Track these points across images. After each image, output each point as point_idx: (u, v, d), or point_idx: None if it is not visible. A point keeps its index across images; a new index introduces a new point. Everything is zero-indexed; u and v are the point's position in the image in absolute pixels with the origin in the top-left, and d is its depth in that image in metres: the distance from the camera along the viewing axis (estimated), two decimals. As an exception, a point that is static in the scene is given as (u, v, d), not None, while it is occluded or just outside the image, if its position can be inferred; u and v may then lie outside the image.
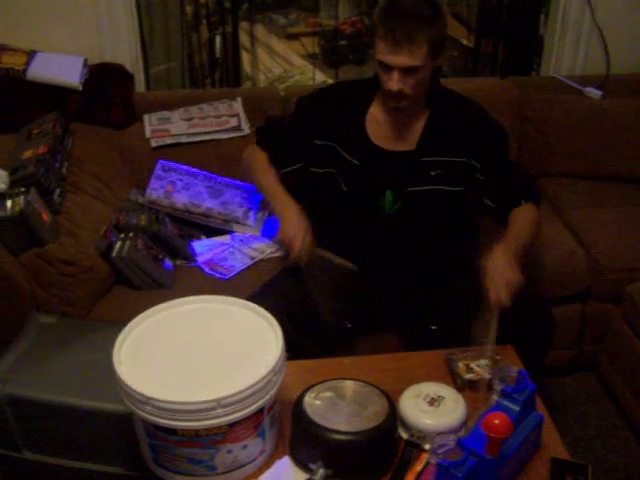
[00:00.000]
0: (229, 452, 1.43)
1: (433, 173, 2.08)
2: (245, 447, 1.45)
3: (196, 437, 1.39)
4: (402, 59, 1.88)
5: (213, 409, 1.35)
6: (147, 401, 1.35)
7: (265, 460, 1.53)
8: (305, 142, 2.14)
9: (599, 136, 2.94)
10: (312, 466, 1.46)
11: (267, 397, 1.43)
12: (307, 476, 1.47)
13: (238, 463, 1.47)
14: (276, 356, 1.45)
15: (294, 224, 2.02)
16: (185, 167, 2.67)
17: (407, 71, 1.90)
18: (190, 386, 1.41)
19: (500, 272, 1.86)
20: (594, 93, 3.01)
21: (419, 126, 2.09)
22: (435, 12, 1.91)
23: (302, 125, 2.17)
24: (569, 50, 3.16)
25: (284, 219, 2.06)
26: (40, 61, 2.69)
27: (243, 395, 1.37)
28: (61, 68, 2.69)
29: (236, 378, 1.39)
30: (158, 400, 1.34)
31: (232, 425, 1.39)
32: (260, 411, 1.43)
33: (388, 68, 1.92)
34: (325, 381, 1.60)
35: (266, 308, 1.61)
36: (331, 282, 2.05)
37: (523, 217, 2.07)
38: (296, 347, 1.85)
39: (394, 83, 1.92)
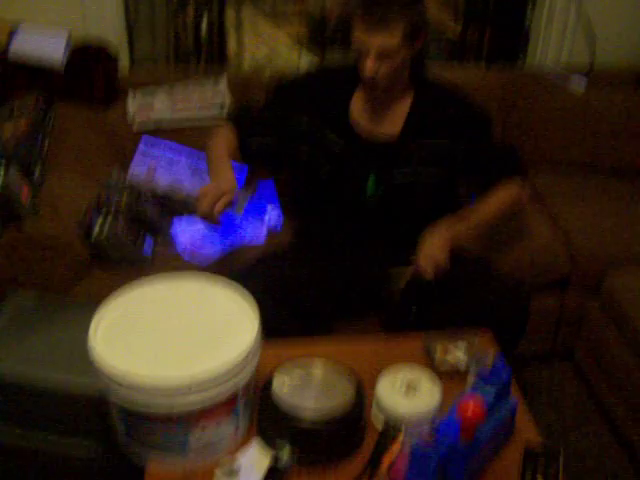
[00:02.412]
0: (203, 431, 1.44)
1: (417, 157, 2.09)
2: (218, 428, 1.46)
3: (169, 416, 1.39)
4: (377, 40, 1.87)
5: (186, 389, 1.35)
6: (121, 380, 1.35)
7: (239, 439, 1.53)
8: (282, 124, 2.13)
9: (582, 127, 2.95)
10: (279, 445, 1.47)
11: (242, 377, 1.43)
12: (273, 456, 1.47)
13: (211, 443, 1.47)
14: (252, 336, 1.45)
15: (217, 184, 1.95)
16: (169, 143, 2.66)
17: (383, 55, 1.90)
18: (165, 365, 1.41)
19: (432, 251, 1.99)
20: (579, 83, 3.02)
21: (403, 111, 2.09)
22: None
23: (281, 109, 2.16)
24: (555, 40, 3.17)
25: (212, 176, 2.03)
26: (22, 39, 2.64)
27: (217, 375, 1.37)
28: (44, 46, 2.65)
29: (211, 358, 1.39)
30: (132, 379, 1.35)
31: (205, 406, 1.40)
32: (234, 392, 1.44)
33: (364, 50, 1.91)
34: (295, 359, 1.61)
35: (247, 288, 1.61)
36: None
37: (493, 196, 2.15)
38: (277, 328, 1.86)
39: (369, 67, 1.91)
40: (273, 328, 1.66)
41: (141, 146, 2.63)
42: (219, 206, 1.90)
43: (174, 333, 1.50)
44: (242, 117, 2.25)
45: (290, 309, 1.99)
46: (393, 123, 2.10)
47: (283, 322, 1.96)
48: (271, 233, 2.50)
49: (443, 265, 1.98)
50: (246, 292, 1.58)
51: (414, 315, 2.10)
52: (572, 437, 2.40)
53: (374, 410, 1.61)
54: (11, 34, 2.65)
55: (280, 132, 2.15)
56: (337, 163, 2.10)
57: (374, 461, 1.50)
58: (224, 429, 1.48)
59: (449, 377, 1.73)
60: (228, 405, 1.45)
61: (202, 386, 1.36)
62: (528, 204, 2.61)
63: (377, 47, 1.88)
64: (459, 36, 3.50)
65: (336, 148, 2.09)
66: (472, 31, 3.42)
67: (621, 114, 2.95)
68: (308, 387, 1.54)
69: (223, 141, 2.14)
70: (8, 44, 2.62)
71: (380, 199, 2.12)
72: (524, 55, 3.33)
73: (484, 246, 2.32)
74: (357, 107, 2.11)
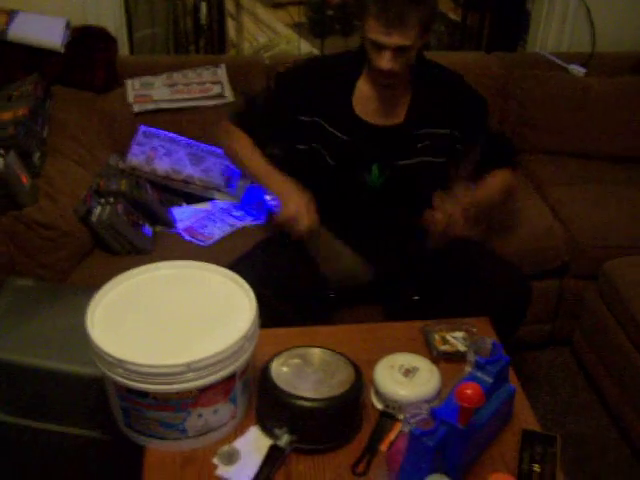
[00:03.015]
0: (200, 416, 1.44)
1: (420, 145, 2.09)
2: (216, 412, 1.47)
3: (167, 400, 1.40)
4: (395, 39, 1.88)
5: (184, 373, 1.36)
6: (119, 364, 1.36)
7: (236, 425, 1.54)
8: (289, 118, 2.12)
9: (582, 114, 2.95)
10: (277, 432, 1.48)
11: (239, 362, 1.44)
12: (272, 442, 1.48)
13: (209, 427, 1.48)
14: (248, 322, 1.45)
15: (296, 200, 1.95)
16: (167, 133, 2.66)
17: (399, 50, 1.90)
18: (162, 349, 1.42)
19: (453, 210, 1.93)
20: (578, 70, 3.02)
21: (405, 100, 2.10)
22: None
23: (285, 101, 2.14)
24: (555, 27, 3.16)
25: (284, 197, 1.97)
26: (21, 21, 2.64)
27: (214, 360, 1.38)
28: (43, 29, 2.65)
29: (208, 343, 1.40)
30: (129, 363, 1.35)
31: (203, 390, 1.40)
32: (232, 376, 1.44)
33: (380, 47, 1.91)
34: (293, 348, 1.61)
35: (246, 276, 1.60)
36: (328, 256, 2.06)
37: (495, 177, 2.17)
38: (277, 316, 1.86)
39: (386, 62, 1.92)
40: (271, 317, 1.66)
41: (138, 137, 2.63)
42: (313, 220, 1.94)
43: (171, 318, 1.51)
44: (250, 121, 2.19)
45: (289, 298, 1.99)
46: (396, 112, 2.10)
47: (282, 311, 1.96)
48: (272, 215, 2.50)
49: (456, 229, 1.93)
50: (243, 280, 1.58)
51: (416, 304, 2.10)
52: (570, 423, 2.41)
53: (372, 396, 1.62)
54: (10, 16, 2.64)
55: (284, 130, 2.15)
56: (341, 153, 2.10)
57: (372, 446, 1.51)
58: (221, 414, 1.48)
59: (448, 364, 1.73)
60: (224, 390, 1.45)
61: (198, 370, 1.37)
62: (519, 191, 2.60)
63: (394, 44, 1.89)
64: (459, 23, 3.49)
65: (339, 141, 2.09)
66: (472, 18, 3.41)
67: (620, 101, 2.95)
68: (306, 374, 1.55)
69: (252, 149, 2.13)
70: (7, 28, 2.61)
71: (383, 187, 2.12)
72: (524, 42, 3.33)
73: (482, 229, 2.32)
74: (360, 96, 2.10)
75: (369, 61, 1.99)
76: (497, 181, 2.18)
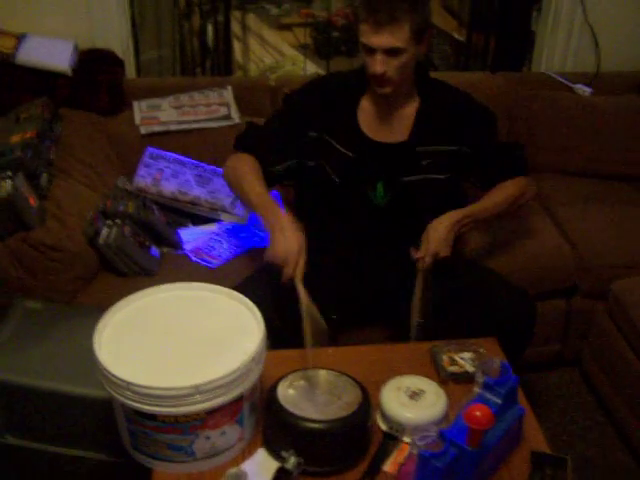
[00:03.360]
0: (207, 438, 1.44)
1: (425, 163, 2.09)
2: (223, 434, 1.46)
3: (175, 423, 1.39)
4: (385, 39, 1.88)
5: (192, 395, 1.35)
6: (127, 386, 1.35)
7: (243, 447, 1.53)
8: (295, 136, 2.13)
9: (588, 133, 2.95)
10: (284, 454, 1.46)
11: (246, 384, 1.43)
12: (279, 464, 1.47)
13: (216, 449, 1.47)
14: (256, 344, 1.45)
15: (286, 245, 1.83)
16: (173, 155, 2.67)
17: (390, 53, 1.91)
18: (170, 372, 1.41)
19: (436, 240, 1.99)
20: (584, 90, 3.02)
21: (410, 117, 2.10)
22: None
23: (292, 120, 2.15)
24: (560, 46, 3.17)
25: (276, 236, 1.86)
26: (30, 45, 2.67)
27: (222, 382, 1.37)
28: (51, 52, 2.68)
29: (216, 365, 1.40)
30: (138, 385, 1.35)
31: (211, 412, 1.40)
32: (239, 399, 1.44)
33: (372, 50, 1.92)
34: (299, 370, 1.61)
35: (251, 298, 1.60)
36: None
37: (499, 188, 2.16)
38: (281, 337, 1.85)
39: (378, 65, 1.92)
40: (276, 338, 1.65)
41: (145, 159, 2.64)
42: (301, 268, 1.83)
43: (178, 340, 1.51)
44: (256, 144, 2.16)
45: (292, 319, 1.98)
46: (401, 129, 2.10)
47: (286, 332, 1.95)
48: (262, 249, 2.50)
49: (443, 254, 1.99)
50: (250, 302, 1.58)
51: (421, 325, 2.09)
52: (580, 444, 2.39)
53: (378, 417, 1.61)
54: (19, 40, 2.67)
55: (292, 151, 2.14)
56: (346, 170, 2.10)
57: (374, 467, 1.51)
58: (228, 436, 1.48)
59: (455, 386, 1.72)
60: (232, 412, 1.45)
61: (206, 393, 1.36)
62: (534, 201, 2.60)
63: (385, 45, 1.89)
64: (464, 43, 3.50)
65: (344, 158, 2.09)
66: (477, 38, 3.42)
67: (627, 120, 2.95)
68: (313, 396, 1.54)
69: (252, 176, 2.06)
70: (16, 51, 2.64)
71: (388, 204, 2.12)
72: (529, 62, 3.34)
73: (488, 243, 2.32)
74: (365, 113, 2.11)
75: (366, 70, 2.00)
76: (500, 192, 2.17)
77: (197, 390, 1.35)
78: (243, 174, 2.07)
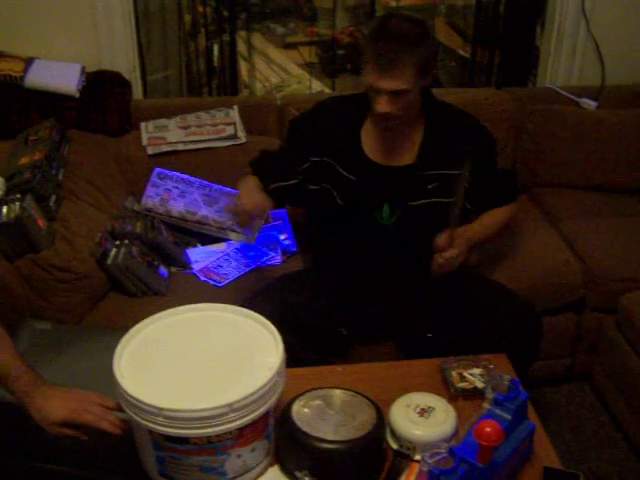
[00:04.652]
0: (239, 456, 1.42)
1: (430, 186, 2.10)
2: (253, 450, 1.45)
3: (208, 444, 1.37)
4: (389, 83, 1.91)
5: (226, 414, 1.33)
6: (158, 412, 1.32)
7: (268, 463, 1.52)
8: (300, 160, 2.14)
9: (594, 147, 2.95)
10: (298, 474, 1.46)
11: (274, 399, 1.42)
12: None
13: (247, 467, 1.46)
14: (277, 357, 1.45)
15: (252, 195, 2.01)
16: (181, 175, 2.68)
17: (395, 94, 1.93)
18: (197, 393, 1.40)
19: (460, 246, 2.05)
20: (589, 104, 3.03)
21: (415, 141, 2.11)
22: (421, 33, 1.94)
23: (297, 144, 2.18)
24: (565, 61, 3.18)
25: (243, 190, 2.05)
26: (38, 68, 2.70)
27: (253, 398, 1.36)
28: (59, 75, 2.70)
29: (242, 381, 1.38)
30: (170, 410, 1.32)
31: (242, 429, 1.38)
32: (267, 413, 1.43)
33: (377, 91, 1.94)
34: (314, 389, 1.60)
35: (261, 313, 1.60)
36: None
37: (491, 216, 2.22)
38: (292, 353, 1.85)
39: (382, 106, 1.95)
40: (289, 356, 1.65)
41: (153, 179, 2.66)
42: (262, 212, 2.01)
43: (198, 361, 1.49)
44: (265, 167, 2.23)
45: (305, 337, 1.99)
46: (406, 153, 2.11)
47: (299, 349, 1.95)
48: (287, 254, 2.51)
49: (452, 266, 2.04)
50: (263, 318, 1.58)
51: (430, 341, 2.10)
52: (592, 459, 2.37)
53: (388, 435, 1.60)
54: (27, 63, 2.69)
55: (297, 173, 2.16)
56: (349, 193, 2.11)
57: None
58: (258, 452, 1.47)
59: (464, 402, 1.71)
60: (261, 428, 1.44)
61: (239, 410, 1.35)
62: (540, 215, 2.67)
63: (390, 88, 1.92)
64: (469, 60, 3.51)
65: (348, 182, 2.10)
66: (482, 54, 3.43)
67: (633, 133, 2.95)
68: (328, 415, 1.53)
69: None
70: (24, 74, 2.66)
71: (395, 226, 2.13)
72: (534, 77, 3.34)
73: (476, 258, 2.35)
74: (369, 137, 2.12)
75: (372, 106, 2.01)
76: (491, 219, 2.22)
77: (231, 408, 1.33)
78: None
